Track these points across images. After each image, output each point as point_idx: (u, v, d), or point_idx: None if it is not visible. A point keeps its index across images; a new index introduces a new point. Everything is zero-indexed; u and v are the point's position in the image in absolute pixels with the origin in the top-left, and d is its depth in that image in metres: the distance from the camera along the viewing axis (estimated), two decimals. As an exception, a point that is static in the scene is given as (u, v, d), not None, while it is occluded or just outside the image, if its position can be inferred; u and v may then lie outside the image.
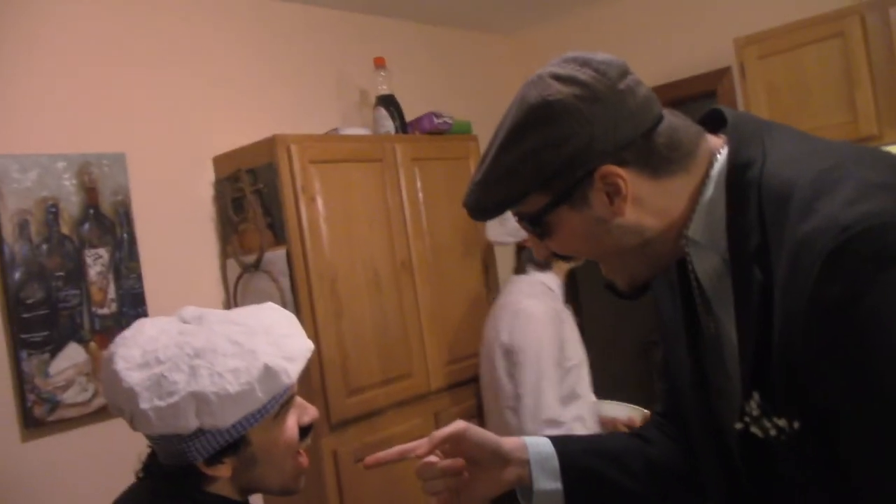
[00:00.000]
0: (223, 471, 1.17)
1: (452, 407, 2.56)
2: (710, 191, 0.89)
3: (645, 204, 0.89)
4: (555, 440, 1.10)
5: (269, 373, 1.15)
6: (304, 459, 1.27)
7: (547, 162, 0.87)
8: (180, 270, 2.35)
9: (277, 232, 2.27)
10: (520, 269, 2.45)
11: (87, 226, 2.12)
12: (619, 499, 1.12)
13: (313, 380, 2.19)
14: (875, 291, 0.72)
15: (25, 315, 1.99)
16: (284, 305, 2.21)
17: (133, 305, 2.19)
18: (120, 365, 1.14)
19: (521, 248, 2.51)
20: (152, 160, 2.30)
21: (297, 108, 2.70)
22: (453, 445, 1.08)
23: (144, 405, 1.11)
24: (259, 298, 2.30)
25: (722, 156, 0.89)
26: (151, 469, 1.22)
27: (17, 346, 1.98)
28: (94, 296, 2.12)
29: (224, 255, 2.45)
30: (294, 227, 2.23)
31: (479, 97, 3.34)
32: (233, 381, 1.12)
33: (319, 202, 2.27)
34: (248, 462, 1.19)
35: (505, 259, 3.08)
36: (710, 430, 0.99)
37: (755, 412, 0.84)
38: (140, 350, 1.16)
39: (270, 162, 2.24)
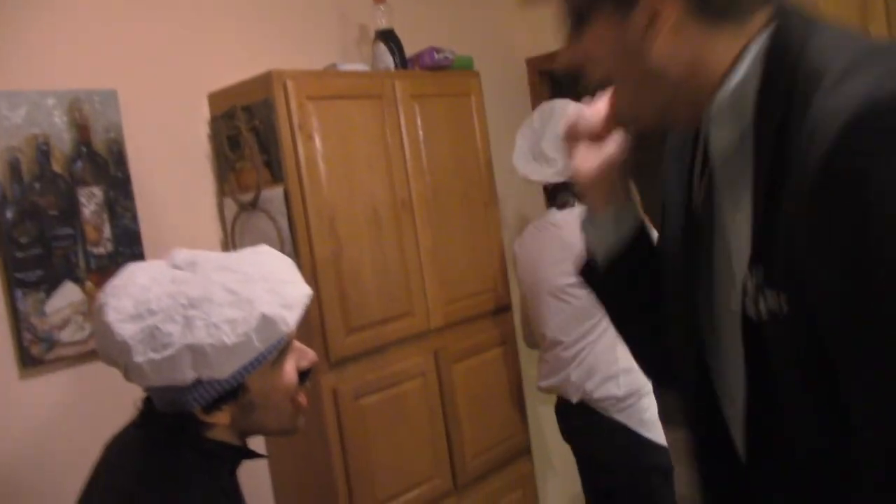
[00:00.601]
0: (221, 418, 1.16)
1: (452, 345, 2.55)
2: (745, 63, 0.85)
3: (681, 47, 0.85)
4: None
5: (266, 322, 1.12)
6: (303, 399, 1.26)
7: None
8: (177, 209, 2.32)
9: (274, 170, 2.23)
10: (562, 205, 2.58)
11: (79, 163, 2.09)
12: (642, 297, 1.11)
13: (312, 318, 2.18)
14: (892, 167, 0.66)
15: (19, 254, 1.97)
16: (282, 244, 2.19)
17: (129, 245, 2.17)
18: (111, 317, 1.11)
19: (557, 187, 2.59)
20: (145, 97, 2.25)
21: (295, 43, 2.63)
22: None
23: (138, 358, 1.09)
24: (257, 238, 2.28)
25: (766, 32, 0.85)
26: (147, 416, 1.20)
27: (12, 285, 1.96)
28: (89, 235, 2.10)
29: (221, 193, 2.41)
30: (291, 165, 2.18)
31: (481, 32, 3.25)
32: (229, 332, 1.10)
33: (317, 139, 2.23)
34: (246, 408, 1.18)
35: (507, 199, 3.04)
36: (689, 318, 0.98)
37: (752, 287, 0.81)
38: (132, 300, 1.12)
39: (266, 98, 2.19)
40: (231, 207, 2.35)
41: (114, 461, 1.21)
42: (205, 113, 2.39)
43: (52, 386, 2.05)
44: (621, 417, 2.43)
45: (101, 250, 2.12)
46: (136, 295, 1.13)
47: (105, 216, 2.13)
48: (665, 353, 1.07)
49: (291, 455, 2.33)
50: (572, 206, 2.54)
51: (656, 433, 2.44)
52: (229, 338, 1.10)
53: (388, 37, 2.60)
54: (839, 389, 0.74)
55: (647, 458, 2.43)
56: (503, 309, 2.77)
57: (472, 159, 2.70)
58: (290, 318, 1.16)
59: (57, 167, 2.05)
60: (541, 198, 3.02)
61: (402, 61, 2.61)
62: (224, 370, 1.11)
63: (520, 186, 2.94)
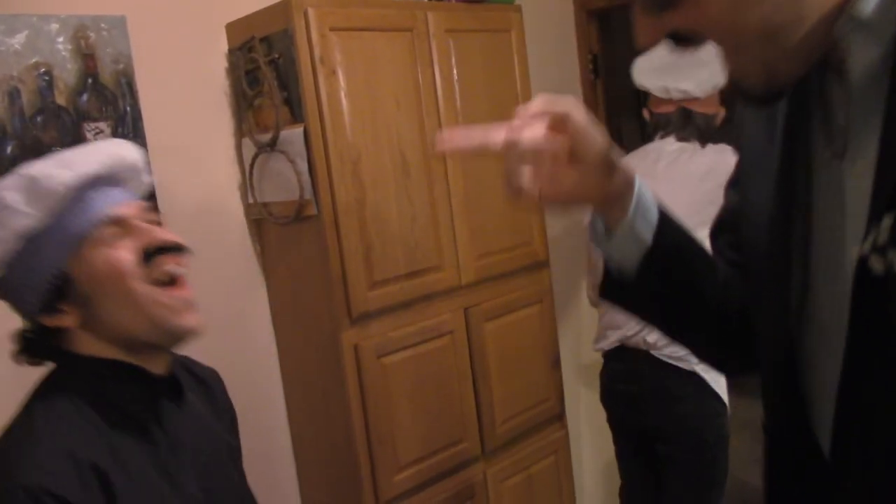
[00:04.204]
0: (66, 320, 1.07)
1: (483, 302, 2.38)
2: None
3: None
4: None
5: (30, 182, 1.03)
6: (174, 292, 1.10)
7: None
8: (191, 149, 2.17)
9: (294, 108, 2.05)
10: (682, 138, 2.33)
11: (85, 96, 1.93)
12: (689, 296, 0.92)
13: (333, 270, 2.02)
14: None
15: (20, 192, 1.84)
16: (301, 189, 2.03)
17: (139, 185, 2.02)
18: None
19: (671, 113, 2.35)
20: (157, 25, 2.08)
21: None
22: (553, 128, 0.82)
23: None
24: (275, 181, 2.12)
25: None
26: (20, 339, 1.15)
27: (13, 226, 1.84)
28: (96, 174, 1.95)
29: (239, 133, 2.25)
30: (312, 102, 2.01)
31: (526, -35, 3.01)
32: None
33: (341, 75, 2.04)
34: (84, 303, 1.07)
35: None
36: (784, 285, 0.81)
37: (882, 239, 0.64)
38: None
39: (286, 28, 2.01)
40: (250, 148, 2.19)
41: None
42: (222, 45, 2.22)
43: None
44: (699, 369, 2.29)
45: (108, 191, 1.97)
46: None
47: (113, 154, 1.98)
48: (734, 341, 0.92)
49: (310, 415, 2.20)
50: (689, 140, 2.32)
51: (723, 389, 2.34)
52: None
53: (422, -34, 2.39)
54: None
55: (712, 419, 2.31)
56: (540, 265, 2.59)
57: (511, 102, 2.49)
58: (65, 174, 1.04)
59: (61, 100, 1.90)
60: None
61: (438, -8, 2.40)
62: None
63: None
